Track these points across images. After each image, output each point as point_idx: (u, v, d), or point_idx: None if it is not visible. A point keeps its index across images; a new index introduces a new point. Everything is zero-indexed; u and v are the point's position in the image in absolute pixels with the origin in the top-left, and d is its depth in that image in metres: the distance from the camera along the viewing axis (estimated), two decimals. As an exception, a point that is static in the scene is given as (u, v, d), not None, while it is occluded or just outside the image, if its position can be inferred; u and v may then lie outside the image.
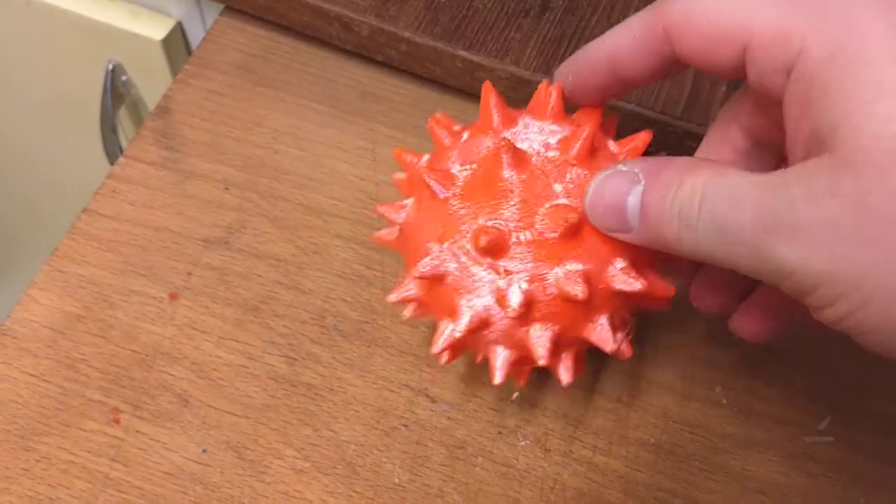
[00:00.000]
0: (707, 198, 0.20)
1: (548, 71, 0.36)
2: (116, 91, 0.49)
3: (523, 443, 0.31)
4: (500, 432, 0.32)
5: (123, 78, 0.49)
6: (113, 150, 0.51)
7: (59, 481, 0.30)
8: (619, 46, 0.25)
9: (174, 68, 0.50)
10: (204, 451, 0.30)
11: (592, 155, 0.26)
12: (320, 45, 0.40)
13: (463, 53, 0.36)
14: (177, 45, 0.49)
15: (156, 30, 0.48)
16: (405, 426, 0.31)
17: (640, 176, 0.22)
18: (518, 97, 0.37)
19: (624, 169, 0.23)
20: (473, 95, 0.38)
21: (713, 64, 0.23)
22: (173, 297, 0.33)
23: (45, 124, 0.64)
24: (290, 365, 0.32)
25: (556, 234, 0.24)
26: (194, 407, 0.31)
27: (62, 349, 0.32)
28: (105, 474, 0.30)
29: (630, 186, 0.22)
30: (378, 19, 0.37)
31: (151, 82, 0.51)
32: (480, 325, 0.25)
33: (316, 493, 0.30)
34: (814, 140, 0.20)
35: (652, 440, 0.32)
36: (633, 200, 0.22)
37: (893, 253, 0.18)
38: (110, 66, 0.49)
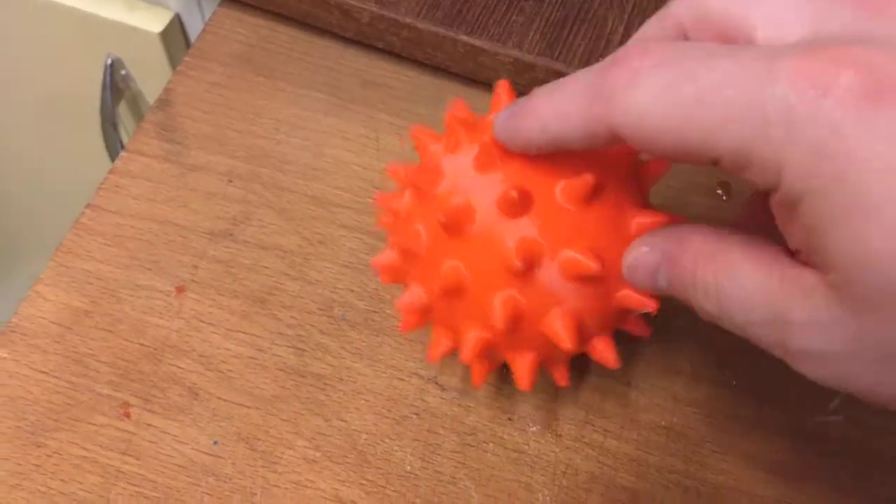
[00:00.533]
0: (722, 295, 0.21)
1: (551, 54, 0.36)
2: (116, 86, 0.49)
3: (534, 428, 0.31)
4: (510, 419, 0.32)
5: (123, 72, 0.49)
6: (113, 146, 0.51)
7: (72, 476, 0.30)
8: (561, 139, 0.22)
9: (173, 61, 0.49)
10: (215, 442, 0.30)
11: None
12: (320, 33, 0.40)
13: (464, 38, 0.36)
14: (175, 37, 0.49)
15: (154, 22, 0.48)
16: (416, 414, 0.31)
17: (661, 261, 0.23)
18: (522, 81, 0.36)
19: (645, 250, 0.24)
20: (476, 81, 0.38)
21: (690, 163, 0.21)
22: (180, 290, 0.33)
23: (44, 121, 0.64)
24: (299, 356, 0.32)
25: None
26: (204, 399, 0.31)
27: (70, 344, 0.32)
28: (117, 468, 0.30)
29: (655, 269, 0.24)
30: (378, 6, 0.36)
31: (150, 76, 0.51)
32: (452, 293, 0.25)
33: (328, 482, 0.30)
34: (810, 247, 0.19)
35: (663, 423, 0.32)
36: (662, 279, 0.23)
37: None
38: (109, 61, 0.49)
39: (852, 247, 0.16)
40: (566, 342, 0.24)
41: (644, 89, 0.19)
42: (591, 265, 0.23)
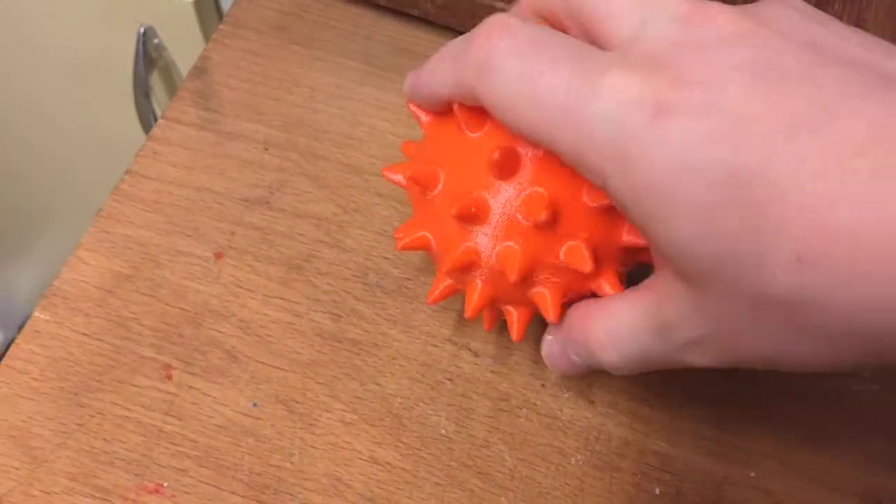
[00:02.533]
0: (613, 339, 0.24)
1: (586, 23, 0.35)
2: (148, 54, 0.49)
3: (567, 395, 0.32)
4: (543, 385, 0.32)
5: (155, 41, 0.49)
6: (146, 115, 0.52)
7: (114, 436, 0.30)
8: (439, 95, 0.25)
9: (205, 30, 0.50)
10: (254, 405, 0.31)
11: None
12: (354, 0, 0.40)
13: (501, 4, 0.36)
14: (207, 6, 0.49)
15: (186, -9, 0.48)
16: (450, 380, 0.32)
17: (564, 341, 0.27)
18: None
19: (549, 338, 0.28)
20: (509, 50, 0.38)
21: None
22: (218, 256, 0.34)
23: (77, 89, 0.64)
24: (335, 321, 0.33)
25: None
26: (243, 363, 0.32)
27: (112, 308, 0.33)
28: (159, 428, 0.31)
29: (563, 351, 0.27)
30: (413, -26, 0.36)
31: (183, 45, 0.51)
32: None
33: (364, 444, 0.30)
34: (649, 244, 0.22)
35: (696, 390, 0.32)
36: (575, 358, 0.27)
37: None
38: (142, 30, 0.49)
39: (669, 237, 0.19)
40: (587, 265, 0.24)
41: (499, 73, 0.21)
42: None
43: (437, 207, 0.26)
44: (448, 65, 0.23)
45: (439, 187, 0.26)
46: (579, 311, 0.26)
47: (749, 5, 0.21)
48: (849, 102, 0.17)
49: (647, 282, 0.24)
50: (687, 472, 0.30)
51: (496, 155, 0.23)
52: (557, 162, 0.22)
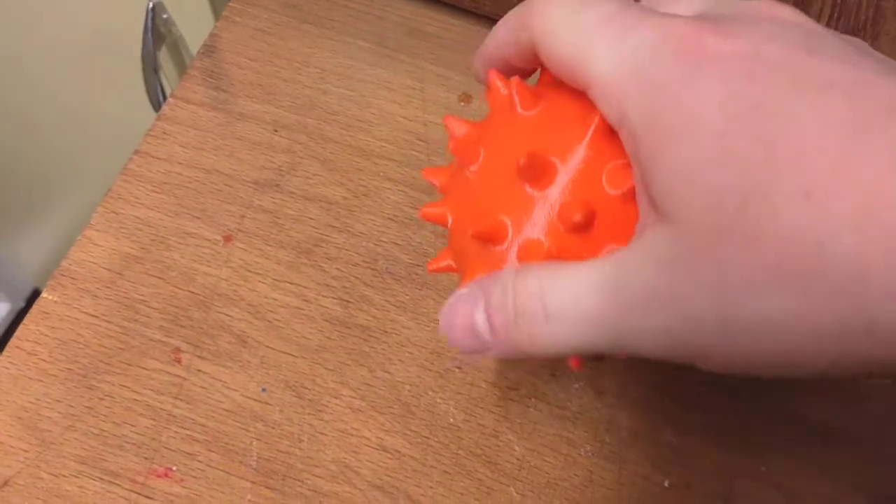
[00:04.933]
0: (549, 299, 0.21)
1: (603, 6, 0.35)
2: (157, 30, 0.49)
3: (577, 385, 0.32)
4: (553, 375, 0.32)
5: (164, 16, 0.49)
6: (154, 91, 0.51)
7: (124, 419, 0.30)
8: (506, 53, 0.25)
9: (215, 6, 0.49)
10: (263, 389, 0.31)
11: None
12: (366, -20, 0.39)
13: (516, -11, 0.35)
14: (216, -19, 0.48)
15: (195, -34, 0.47)
16: (459, 368, 0.32)
17: (480, 294, 0.23)
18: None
19: (465, 292, 0.23)
20: (524, 32, 0.37)
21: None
22: (227, 239, 0.34)
23: (85, 65, 0.64)
24: (345, 307, 0.33)
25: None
26: (252, 347, 0.32)
27: (121, 290, 0.32)
28: (168, 412, 0.30)
29: (474, 307, 0.23)
30: (428, -47, 0.36)
31: (192, 22, 0.50)
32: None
33: (373, 431, 0.30)
34: (651, 205, 0.21)
35: (707, 381, 0.32)
36: (480, 318, 0.22)
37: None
38: (150, 5, 0.48)
39: (679, 161, 0.19)
40: None
41: (550, 8, 0.22)
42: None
43: (471, 184, 0.26)
44: (513, 13, 0.24)
45: (478, 163, 0.25)
46: (509, 269, 0.23)
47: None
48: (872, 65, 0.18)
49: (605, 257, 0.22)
50: (697, 465, 0.30)
51: (522, 160, 0.23)
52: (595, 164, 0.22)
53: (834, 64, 0.18)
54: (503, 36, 0.25)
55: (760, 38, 0.19)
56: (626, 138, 0.21)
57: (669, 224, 0.19)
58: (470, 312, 0.23)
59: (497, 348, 0.22)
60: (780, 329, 0.18)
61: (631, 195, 0.23)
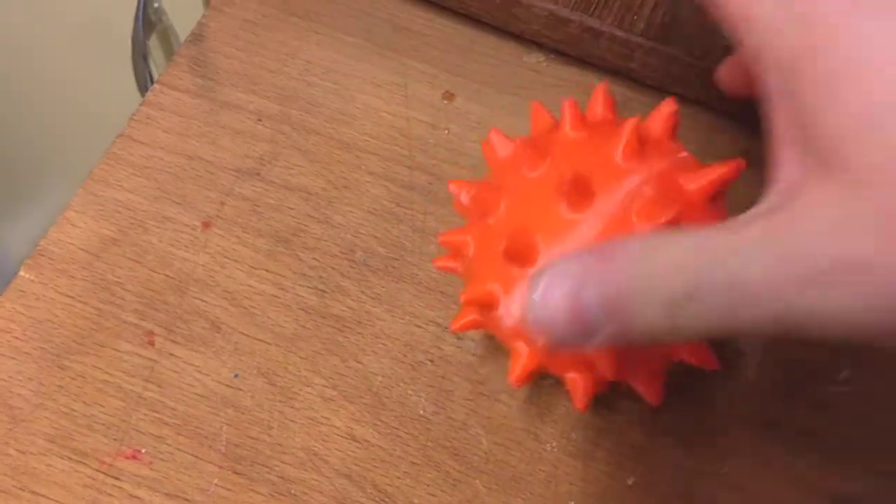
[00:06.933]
0: (702, 273, 0.17)
1: (587, 9, 0.35)
2: (148, 18, 0.49)
3: (546, 382, 0.32)
4: (524, 370, 0.32)
5: (155, 4, 0.49)
6: (143, 78, 0.51)
7: (94, 399, 0.31)
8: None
9: (205, -4, 0.49)
10: (236, 375, 0.31)
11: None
12: (356, -24, 0.39)
13: (502, -12, 0.35)
14: (208, -28, 0.48)
15: (187, -44, 0.47)
16: (431, 361, 0.32)
17: (591, 265, 0.19)
18: (556, 36, 0.36)
19: (562, 266, 0.19)
20: (508, 33, 0.38)
21: None
22: (206, 225, 0.34)
23: (75, 50, 0.64)
24: (320, 297, 0.33)
25: None
26: (226, 333, 0.32)
27: (98, 271, 0.33)
28: (139, 394, 0.31)
29: (582, 282, 0.19)
30: (416, -49, 0.36)
31: (182, 10, 0.51)
32: None
33: (343, 421, 0.31)
34: (810, 154, 0.17)
35: (675, 385, 0.32)
36: (592, 296, 0.18)
37: None
38: (142, -8, 0.48)
39: (851, 107, 0.16)
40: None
41: None
42: None
43: (491, 232, 0.27)
44: None
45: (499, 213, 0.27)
46: (631, 242, 0.19)
47: None
48: None
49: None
50: (661, 465, 0.31)
51: (565, 185, 0.25)
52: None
53: None
54: None
55: None
56: (773, 73, 0.18)
57: (848, 179, 0.16)
58: (576, 290, 0.19)
59: (607, 337, 0.19)
60: None
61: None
